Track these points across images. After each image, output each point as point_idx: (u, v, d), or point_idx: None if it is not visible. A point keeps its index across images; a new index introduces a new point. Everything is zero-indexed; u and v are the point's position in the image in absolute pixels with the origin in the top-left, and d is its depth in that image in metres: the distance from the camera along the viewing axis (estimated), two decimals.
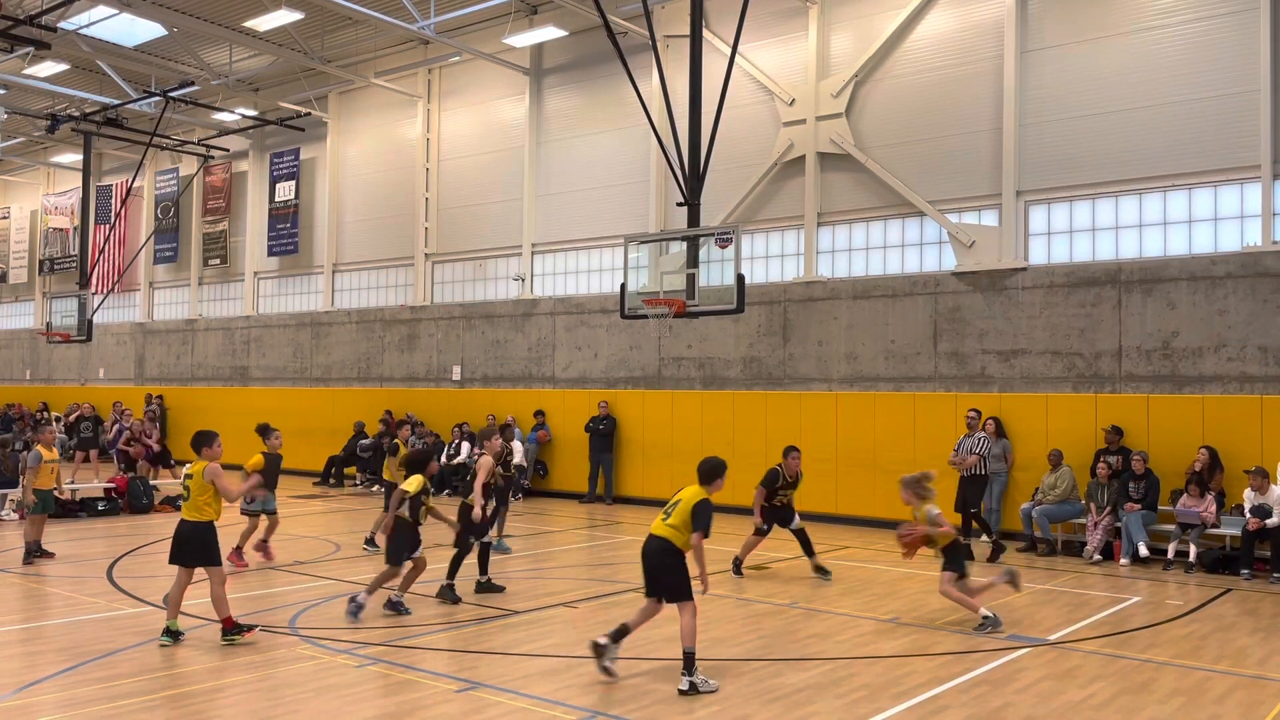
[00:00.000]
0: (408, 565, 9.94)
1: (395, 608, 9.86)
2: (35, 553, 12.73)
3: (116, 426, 20.68)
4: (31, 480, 12.94)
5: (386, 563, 9.86)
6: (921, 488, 9.81)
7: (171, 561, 8.84)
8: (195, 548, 8.74)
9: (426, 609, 10.25)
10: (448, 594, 10.53)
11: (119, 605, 10.29)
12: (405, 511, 9.91)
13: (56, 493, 14.33)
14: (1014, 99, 16.34)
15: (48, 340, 27.72)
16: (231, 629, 8.64)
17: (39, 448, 13.12)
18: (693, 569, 7.80)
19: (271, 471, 12.78)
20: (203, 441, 8.97)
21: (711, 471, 7.95)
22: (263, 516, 12.91)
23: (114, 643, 8.65)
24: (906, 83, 17.56)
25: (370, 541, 13.96)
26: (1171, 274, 14.96)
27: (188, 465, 9.38)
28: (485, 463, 11.00)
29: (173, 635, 8.68)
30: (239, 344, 28.26)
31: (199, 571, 8.84)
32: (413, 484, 9.92)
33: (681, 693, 7.42)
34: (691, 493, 7.88)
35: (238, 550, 12.52)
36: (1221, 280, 14.55)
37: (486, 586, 10.99)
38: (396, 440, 14.59)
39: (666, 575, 7.77)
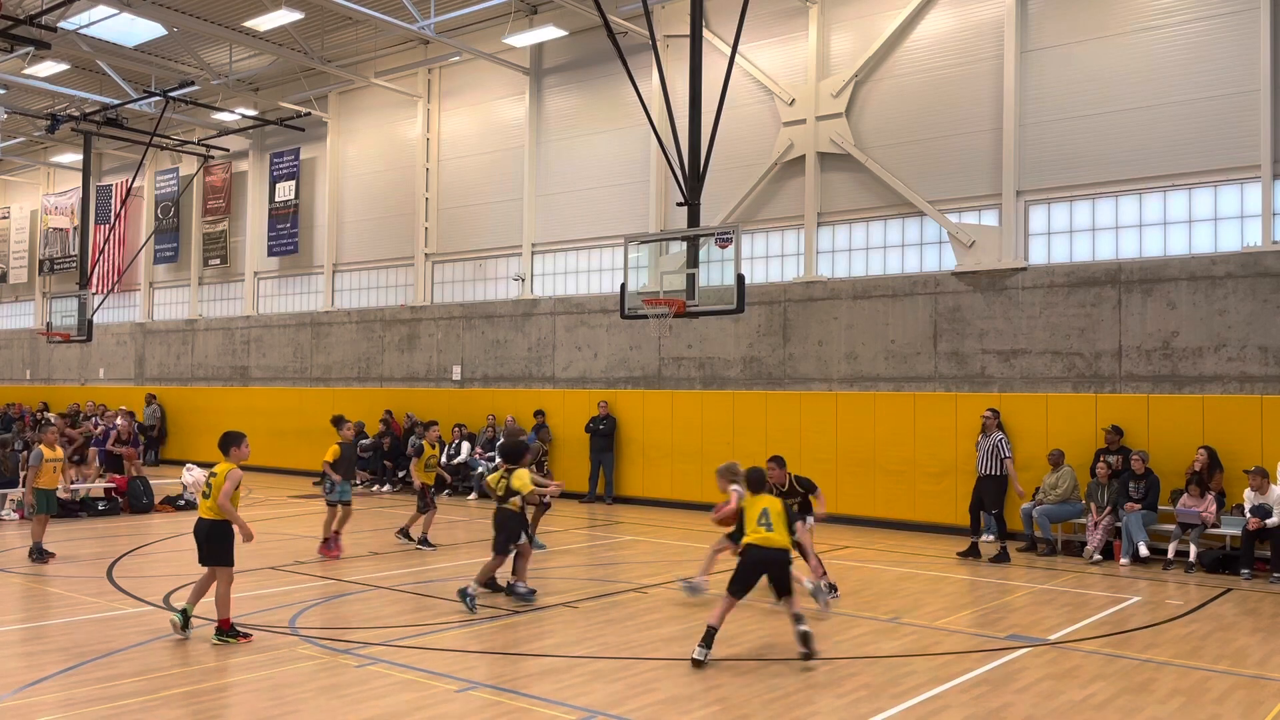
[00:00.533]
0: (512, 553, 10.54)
1: (515, 591, 10.50)
2: (38, 551, 12.73)
3: (101, 428, 20.66)
4: (34, 479, 12.90)
5: (495, 552, 10.39)
6: (733, 474, 10.33)
7: (202, 563, 8.93)
8: (213, 546, 8.81)
9: (426, 609, 10.26)
10: (523, 593, 10.84)
11: (119, 605, 10.28)
12: (517, 503, 10.49)
13: (60, 492, 14.29)
14: (1014, 99, 16.34)
15: (48, 340, 27.72)
16: (228, 630, 8.68)
17: (41, 447, 13.08)
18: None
19: (347, 460, 13.64)
20: (231, 442, 9.05)
21: (763, 479, 9.04)
22: (339, 507, 13.49)
23: (114, 643, 8.65)
24: (906, 83, 17.56)
25: (404, 534, 14.33)
26: (1171, 274, 14.96)
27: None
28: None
29: (184, 616, 8.80)
30: (239, 344, 28.26)
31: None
32: (524, 480, 10.40)
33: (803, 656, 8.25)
34: (773, 501, 8.80)
35: (334, 538, 13.32)
36: (1221, 280, 14.55)
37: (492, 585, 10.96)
38: (423, 441, 14.58)
39: (788, 576, 8.59)
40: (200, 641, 8.72)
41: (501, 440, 11.51)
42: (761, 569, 8.51)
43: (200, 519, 8.88)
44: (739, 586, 8.50)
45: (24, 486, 13.18)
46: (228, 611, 8.73)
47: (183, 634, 8.77)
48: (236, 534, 8.85)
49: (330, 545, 13.30)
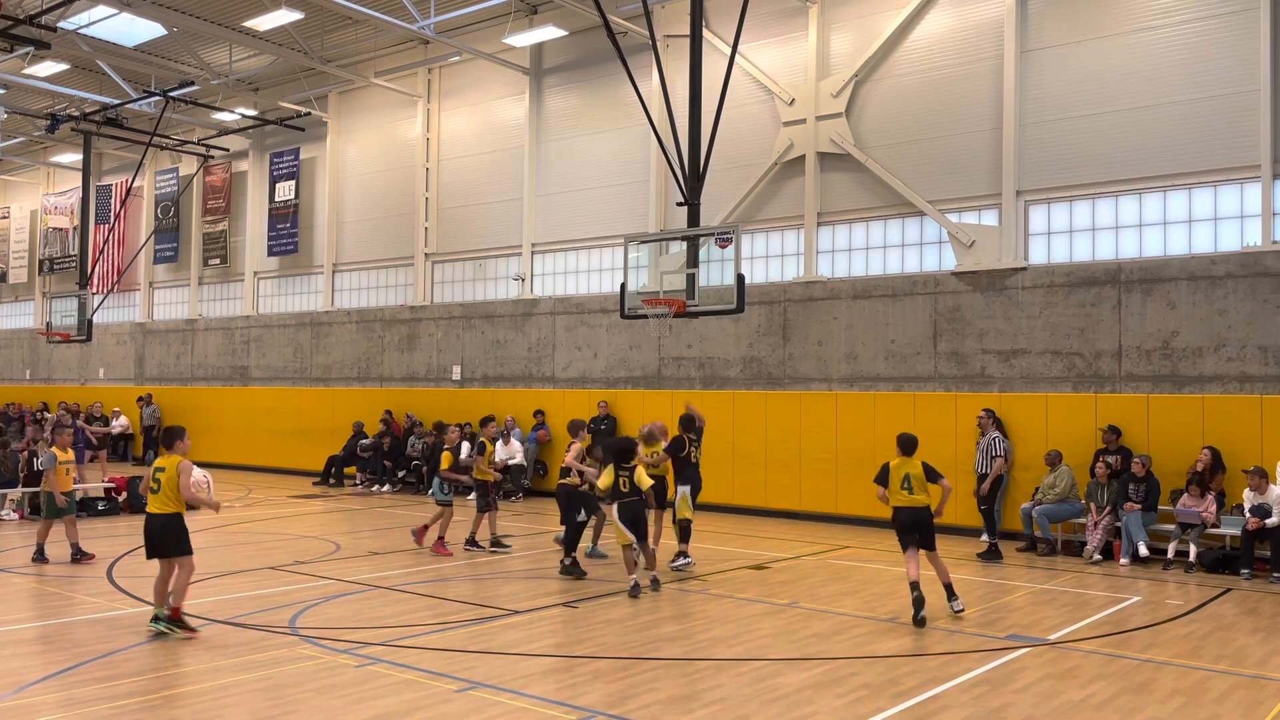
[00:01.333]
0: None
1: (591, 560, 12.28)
2: (79, 554, 12.66)
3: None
4: (51, 483, 12.68)
5: (642, 539, 11.31)
6: (655, 436, 12.44)
7: (150, 557, 9.09)
8: (168, 538, 8.93)
9: (426, 609, 10.27)
10: (573, 570, 11.82)
11: (119, 605, 10.28)
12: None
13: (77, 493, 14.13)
14: (1014, 99, 16.34)
15: (48, 340, 27.72)
16: (177, 620, 8.78)
17: (54, 449, 12.88)
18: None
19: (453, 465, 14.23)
20: (175, 436, 9.23)
21: (914, 443, 10.32)
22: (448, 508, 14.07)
23: (114, 643, 8.65)
24: (906, 83, 17.56)
25: (472, 542, 14.13)
26: (1171, 274, 14.95)
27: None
28: (575, 449, 12.64)
29: (159, 622, 8.89)
30: (239, 344, 28.26)
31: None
32: (643, 475, 11.37)
33: (957, 613, 9.94)
34: (914, 465, 10.16)
35: (441, 540, 13.81)
36: (1221, 280, 14.55)
37: (596, 553, 12.75)
38: (483, 439, 14.59)
39: (931, 530, 10.14)
40: (200, 641, 8.73)
41: (606, 443, 12.36)
42: (912, 526, 10.06)
43: (151, 514, 8.98)
44: (904, 541, 10.13)
45: (43, 488, 13.04)
46: (182, 601, 8.86)
47: (168, 634, 8.84)
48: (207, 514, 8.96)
49: (445, 543, 13.80)
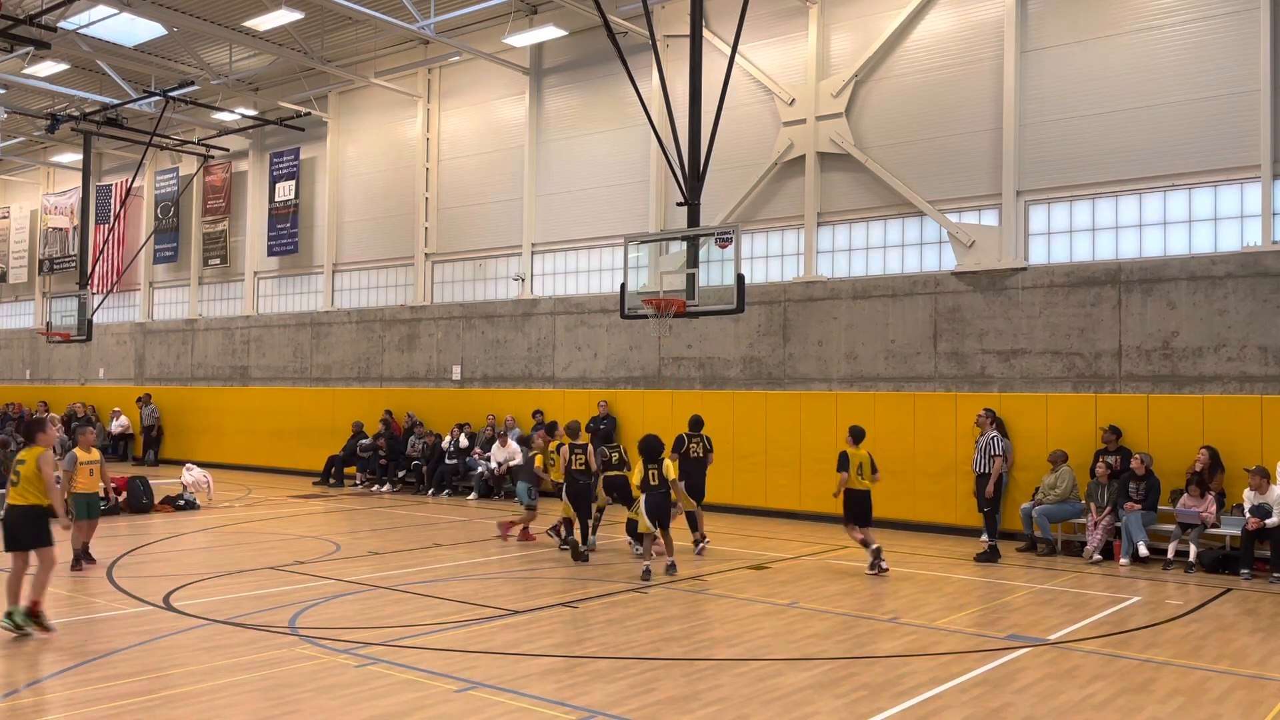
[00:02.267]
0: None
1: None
2: (82, 557, 12.43)
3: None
4: (68, 484, 12.44)
5: (664, 529, 12.52)
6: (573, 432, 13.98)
7: (7, 549, 8.95)
8: (27, 531, 8.83)
9: (426, 609, 10.27)
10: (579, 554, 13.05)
11: (119, 605, 10.28)
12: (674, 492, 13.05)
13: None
14: (1014, 99, 16.34)
15: (48, 340, 27.73)
16: (36, 616, 8.67)
17: (76, 450, 12.52)
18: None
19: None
20: (37, 428, 9.15)
21: (864, 433, 12.86)
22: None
23: (114, 643, 8.65)
24: (906, 83, 17.56)
25: (564, 536, 14.32)
26: (1171, 274, 14.96)
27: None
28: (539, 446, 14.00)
29: (11, 620, 8.73)
30: (239, 344, 28.27)
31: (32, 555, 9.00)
32: (670, 469, 12.63)
33: (883, 570, 12.34)
34: (862, 452, 12.51)
35: (526, 531, 14.94)
36: (1221, 280, 14.55)
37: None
38: (561, 442, 14.78)
39: (870, 509, 12.61)
40: (200, 641, 8.73)
41: (640, 441, 12.83)
42: (864, 506, 12.47)
43: (12, 505, 8.87)
44: (852, 519, 12.55)
45: (62, 488, 12.92)
46: (42, 596, 8.73)
47: (17, 634, 8.71)
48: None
49: (526, 531, 14.84)
